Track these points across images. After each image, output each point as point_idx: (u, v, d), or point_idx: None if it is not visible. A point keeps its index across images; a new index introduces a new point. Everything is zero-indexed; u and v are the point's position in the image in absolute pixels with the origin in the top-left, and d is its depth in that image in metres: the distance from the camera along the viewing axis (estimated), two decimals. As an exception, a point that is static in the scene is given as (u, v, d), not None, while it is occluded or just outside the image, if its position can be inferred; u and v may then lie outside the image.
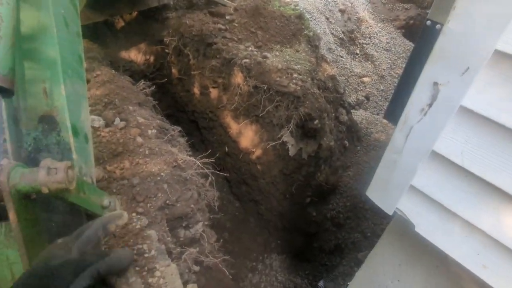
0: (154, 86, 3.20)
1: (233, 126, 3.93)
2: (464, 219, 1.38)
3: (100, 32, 3.92)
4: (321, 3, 7.39)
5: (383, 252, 1.78)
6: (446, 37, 1.18)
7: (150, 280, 1.60)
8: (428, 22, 4.84)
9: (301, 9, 6.43)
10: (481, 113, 1.16)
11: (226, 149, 4.27)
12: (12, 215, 0.59)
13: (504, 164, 1.16)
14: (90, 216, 0.92)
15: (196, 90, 4.11)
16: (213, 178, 2.61)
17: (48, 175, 0.60)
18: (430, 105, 1.28)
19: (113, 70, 3.10)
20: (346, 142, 4.45)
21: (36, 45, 0.84)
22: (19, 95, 0.82)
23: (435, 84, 1.23)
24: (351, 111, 5.04)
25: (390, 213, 1.57)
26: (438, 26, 4.60)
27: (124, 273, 0.67)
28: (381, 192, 1.56)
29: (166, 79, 4.39)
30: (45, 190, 0.60)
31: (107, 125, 2.28)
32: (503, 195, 1.23)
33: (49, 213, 0.85)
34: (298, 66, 3.38)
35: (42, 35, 0.84)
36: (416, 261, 1.74)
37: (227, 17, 3.81)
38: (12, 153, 0.82)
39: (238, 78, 3.34)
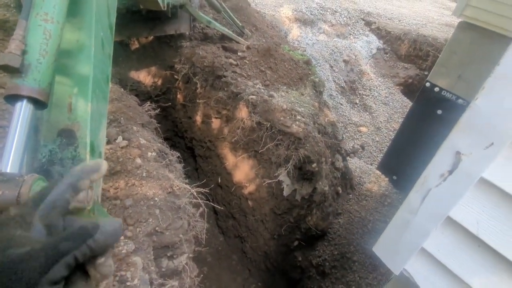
0: (158, 109, 3.24)
1: (230, 158, 3.93)
2: None
3: (114, 50, 4.02)
4: (327, 51, 7.77)
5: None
6: (473, 112, 1.25)
7: (129, 311, 1.50)
8: (428, 84, 5.06)
9: (308, 55, 6.74)
10: (500, 186, 1.20)
11: (219, 181, 4.23)
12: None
13: (520, 239, 1.17)
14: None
15: (198, 118, 4.16)
16: (205, 209, 2.57)
17: (69, 193, 0.59)
18: (450, 172, 1.31)
19: (122, 89, 3.14)
20: (339, 188, 4.46)
21: (71, 62, 0.86)
22: (43, 107, 0.83)
23: (458, 153, 1.28)
24: (347, 158, 5.11)
25: (397, 273, 1.54)
26: (436, 88, 4.79)
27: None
28: (390, 250, 1.54)
29: (170, 104, 4.45)
30: (63, 208, 0.58)
31: (108, 142, 2.27)
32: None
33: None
34: (302, 108, 3.48)
35: (79, 53, 0.86)
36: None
37: (239, 54, 3.96)
38: (25, 162, 0.81)
39: (243, 112, 3.41)
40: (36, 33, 0.65)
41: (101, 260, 0.50)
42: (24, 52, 0.62)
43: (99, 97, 0.93)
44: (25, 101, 0.63)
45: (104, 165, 0.56)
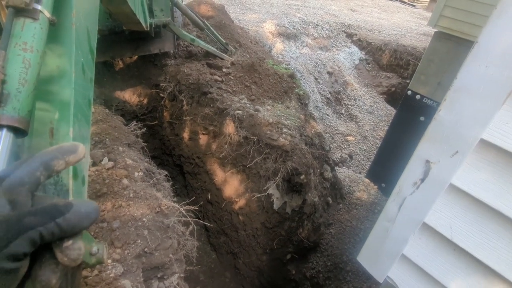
0: (145, 128, 3.23)
1: (219, 174, 3.92)
2: None
3: (98, 71, 4.02)
4: (311, 64, 7.94)
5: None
6: (437, 123, 1.31)
7: (118, 338, 1.46)
8: (409, 92, 5.20)
9: (292, 68, 6.87)
10: (468, 192, 1.24)
11: (209, 197, 4.20)
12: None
13: (489, 241, 1.22)
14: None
15: (185, 135, 4.15)
16: (195, 227, 2.54)
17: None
18: (422, 180, 1.36)
19: (107, 109, 3.13)
20: (329, 199, 4.49)
21: (51, 88, 0.87)
22: (24, 134, 0.83)
23: (427, 162, 1.33)
24: (335, 168, 5.16)
25: (381, 280, 1.56)
26: (417, 96, 4.92)
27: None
28: (373, 259, 1.56)
29: (156, 122, 4.44)
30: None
31: (94, 164, 2.25)
32: (490, 272, 1.26)
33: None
34: (288, 121, 3.52)
35: (60, 79, 0.87)
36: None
37: (224, 70, 4.01)
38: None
39: (229, 127, 3.43)
40: (15, 63, 0.65)
41: (69, 242, 0.46)
42: (3, 82, 0.63)
43: (81, 121, 0.93)
44: (4, 130, 0.63)
45: (81, 148, 0.51)
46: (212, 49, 4.25)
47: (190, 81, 3.80)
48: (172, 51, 4.23)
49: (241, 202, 3.81)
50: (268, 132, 3.21)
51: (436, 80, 4.58)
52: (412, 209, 1.41)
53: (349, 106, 8.00)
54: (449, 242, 1.33)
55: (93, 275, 1.66)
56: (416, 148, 1.37)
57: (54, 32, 0.83)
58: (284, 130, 3.32)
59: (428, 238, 1.40)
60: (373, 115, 8.11)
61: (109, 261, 1.79)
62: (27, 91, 0.67)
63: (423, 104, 4.77)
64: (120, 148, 2.50)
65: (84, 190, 0.99)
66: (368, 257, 1.59)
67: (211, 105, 3.56)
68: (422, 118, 4.62)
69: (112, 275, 1.71)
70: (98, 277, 1.67)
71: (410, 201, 1.43)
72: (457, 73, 1.22)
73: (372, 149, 7.33)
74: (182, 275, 2.50)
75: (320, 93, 7.58)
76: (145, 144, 3.14)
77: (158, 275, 2.24)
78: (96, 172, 2.19)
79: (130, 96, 4.22)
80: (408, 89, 4.78)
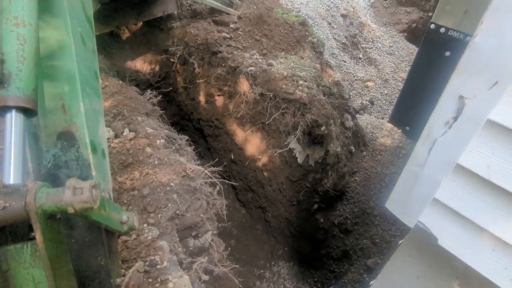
0: (160, 96, 3.23)
1: (239, 134, 3.94)
2: (491, 233, 1.36)
3: (106, 43, 3.96)
4: (323, 8, 7.43)
5: (400, 264, 1.75)
6: (472, 52, 1.18)
7: (163, 292, 1.59)
8: (432, 26, 4.83)
9: (303, 15, 6.47)
10: (508, 126, 1.15)
11: (232, 157, 4.27)
12: (38, 235, 0.59)
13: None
14: (109, 232, 0.92)
15: (201, 98, 4.13)
16: (221, 186, 2.61)
17: (74, 195, 0.60)
18: (455, 119, 1.26)
19: (120, 81, 3.12)
20: (352, 147, 4.44)
21: (55, 63, 0.85)
22: (38, 113, 0.83)
23: (461, 97, 1.22)
24: (356, 116, 5.03)
25: (411, 226, 1.55)
26: (442, 29, 4.58)
27: None
28: (402, 204, 1.54)
29: (171, 88, 4.42)
30: (71, 210, 0.60)
31: (116, 136, 2.30)
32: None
33: (68, 230, 0.85)
34: (304, 73, 3.39)
35: (61, 53, 0.85)
36: (435, 273, 1.71)
37: (232, 26, 3.84)
38: (32, 170, 0.83)
39: (244, 86, 3.36)
40: (9, 40, 0.63)
41: None
42: (2, 62, 0.62)
43: (91, 94, 0.92)
44: (14, 111, 0.63)
45: None
46: (216, 4, 4.03)
47: (198, 42, 3.68)
48: (176, 12, 4.06)
49: (264, 159, 3.85)
50: (284, 86, 3.12)
51: (462, 8, 4.17)
52: (444, 151, 1.33)
53: (367, 50, 7.56)
54: (486, 182, 1.26)
55: (132, 239, 1.77)
56: (446, 85, 1.25)
57: (45, 3, 0.79)
58: (300, 82, 3.21)
59: (462, 180, 1.33)
60: (394, 56, 7.66)
61: (145, 225, 1.89)
62: (28, 69, 0.65)
63: (448, 37, 4.40)
64: (139, 118, 2.52)
65: (106, 162, 1.00)
66: (397, 204, 1.57)
67: (223, 64, 3.47)
68: (447, 53, 4.29)
69: (149, 237, 1.82)
70: (137, 240, 1.77)
71: (442, 143, 1.35)
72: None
73: (394, 92, 7.03)
74: (215, 232, 2.64)
75: (335, 38, 7.18)
76: (163, 111, 3.16)
77: (193, 234, 2.37)
78: (120, 144, 2.24)
79: (141, 65, 4.18)
80: (431, 23, 4.40)
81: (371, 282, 1.80)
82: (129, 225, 0.90)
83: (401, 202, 1.55)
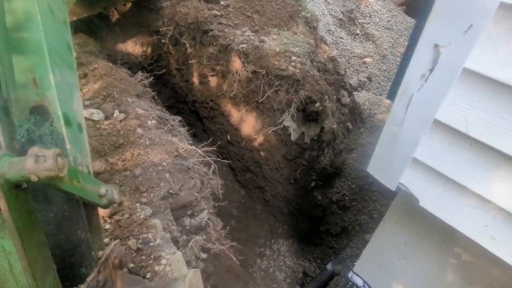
0: (152, 77, 3.18)
1: (234, 114, 3.91)
2: (471, 191, 1.32)
3: (95, 25, 3.87)
4: (318, -17, 7.22)
5: (388, 231, 1.76)
6: None
7: (156, 268, 1.62)
8: (429, -4, 4.69)
9: (298, -9, 6.29)
10: (486, 74, 1.07)
11: (228, 137, 4.26)
12: (3, 204, 0.59)
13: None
14: (87, 205, 0.92)
15: (195, 80, 4.08)
16: (215, 166, 2.61)
17: (36, 163, 0.59)
18: (431, 70, 1.19)
19: (111, 63, 3.07)
20: (349, 124, 4.41)
21: (23, 35, 0.83)
22: (8, 87, 0.81)
23: (436, 46, 1.14)
24: (354, 92, 4.97)
25: (393, 188, 1.52)
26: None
27: None
28: (383, 167, 1.52)
29: (164, 70, 4.35)
30: (34, 178, 0.59)
31: (106, 117, 2.28)
32: (512, 163, 1.16)
33: (46, 204, 0.85)
34: (297, 48, 3.33)
35: (28, 23, 0.82)
36: (422, 238, 1.72)
37: (222, 3, 3.74)
38: (5, 145, 0.82)
39: (236, 64, 3.30)
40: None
41: None
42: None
43: (62, 66, 0.90)
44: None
45: None
46: (206, -19, 3.91)
47: (188, 21, 3.60)
48: (165, -9, 3.95)
49: (260, 139, 3.84)
50: (276, 62, 3.07)
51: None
52: (421, 107, 1.27)
53: (364, 25, 7.40)
54: (465, 137, 1.21)
55: (124, 218, 1.79)
56: (421, 33, 1.18)
57: (4, -31, 0.76)
58: (293, 58, 3.16)
59: (441, 136, 1.28)
60: (392, 30, 7.50)
61: (137, 204, 1.90)
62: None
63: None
64: (129, 99, 2.50)
65: (83, 137, 0.99)
66: (378, 166, 1.55)
67: (214, 43, 3.40)
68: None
69: (142, 216, 1.84)
70: (130, 219, 1.79)
71: (418, 98, 1.29)
72: None
73: (393, 68, 6.92)
74: (211, 210, 2.66)
75: (331, 14, 7.01)
76: (156, 94, 3.12)
77: (188, 213, 2.39)
78: (110, 125, 2.23)
79: (132, 47, 4.11)
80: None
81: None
82: (109, 198, 0.90)
83: (382, 165, 1.53)
